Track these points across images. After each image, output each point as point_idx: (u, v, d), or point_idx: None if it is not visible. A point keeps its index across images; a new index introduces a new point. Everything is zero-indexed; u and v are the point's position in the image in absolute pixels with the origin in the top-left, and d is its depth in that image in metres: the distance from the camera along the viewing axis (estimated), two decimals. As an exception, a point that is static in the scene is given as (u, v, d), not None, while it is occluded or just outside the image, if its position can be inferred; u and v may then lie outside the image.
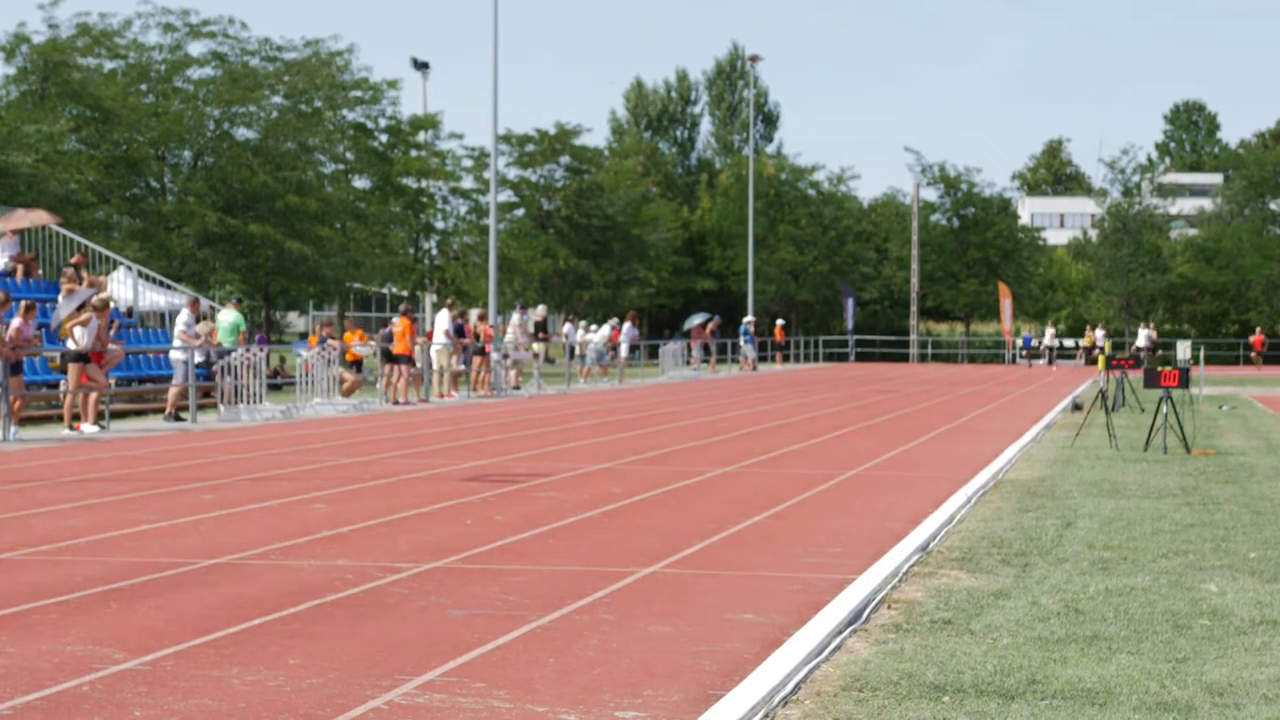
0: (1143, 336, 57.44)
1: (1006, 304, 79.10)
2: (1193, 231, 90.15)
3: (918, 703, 6.96)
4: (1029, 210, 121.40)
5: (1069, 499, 14.89)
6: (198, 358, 29.53)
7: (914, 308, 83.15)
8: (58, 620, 8.89)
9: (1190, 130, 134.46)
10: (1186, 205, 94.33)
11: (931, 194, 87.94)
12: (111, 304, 28.55)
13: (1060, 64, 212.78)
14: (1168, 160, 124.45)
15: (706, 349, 60.46)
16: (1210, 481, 16.75)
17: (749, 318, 66.69)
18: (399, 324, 34.23)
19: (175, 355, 29.52)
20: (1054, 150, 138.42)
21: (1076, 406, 30.41)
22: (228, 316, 32.63)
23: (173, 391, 28.67)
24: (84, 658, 7.90)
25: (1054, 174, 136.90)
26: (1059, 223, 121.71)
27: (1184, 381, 20.67)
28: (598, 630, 8.64)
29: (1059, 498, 15.02)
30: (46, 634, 8.49)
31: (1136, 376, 34.01)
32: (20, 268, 32.94)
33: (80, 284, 29.94)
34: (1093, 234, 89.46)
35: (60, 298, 28.35)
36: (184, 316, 30.15)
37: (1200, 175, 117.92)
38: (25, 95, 51.22)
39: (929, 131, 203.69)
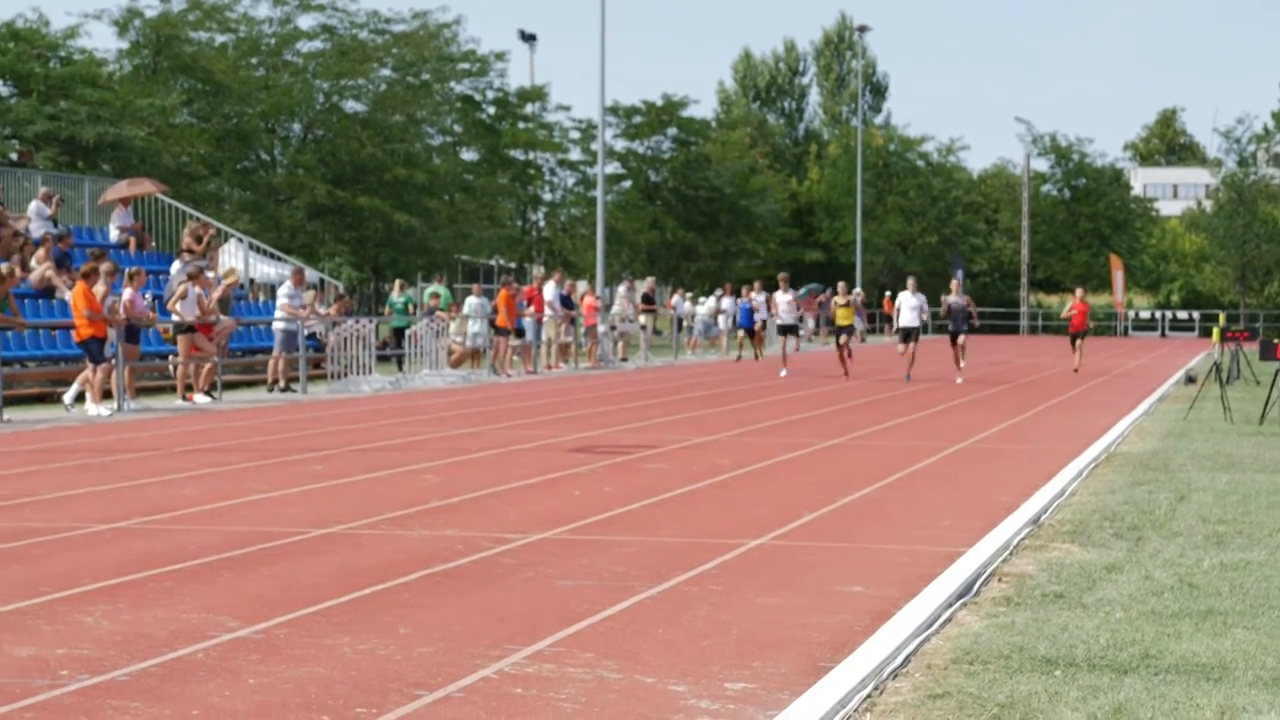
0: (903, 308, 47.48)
1: (1119, 275, 78.19)
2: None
3: (1029, 676, 6.90)
4: (1141, 181, 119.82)
5: (1183, 472, 14.70)
6: (310, 328, 29.75)
7: (1024, 279, 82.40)
8: (172, 588, 9.00)
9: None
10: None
11: (1042, 164, 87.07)
12: (236, 282, 29.10)
13: (1175, 32, 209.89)
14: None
15: (816, 321, 60.18)
16: (1327, 455, 16.48)
17: (858, 290, 66.12)
18: (500, 296, 34.18)
19: (277, 326, 29.63)
20: (1167, 120, 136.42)
21: (1190, 379, 30.05)
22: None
23: (271, 363, 28.88)
24: (198, 625, 7.99)
25: (1167, 144, 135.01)
26: (1172, 193, 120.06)
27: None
28: (706, 601, 8.64)
29: (1172, 471, 14.83)
30: (161, 601, 8.60)
31: (1252, 349, 33.50)
32: (133, 239, 33.34)
33: (200, 246, 30.28)
34: (1207, 205, 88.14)
35: (174, 266, 28.71)
36: (285, 288, 30.34)
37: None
38: (138, 69, 51.82)
39: (1040, 101, 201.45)
